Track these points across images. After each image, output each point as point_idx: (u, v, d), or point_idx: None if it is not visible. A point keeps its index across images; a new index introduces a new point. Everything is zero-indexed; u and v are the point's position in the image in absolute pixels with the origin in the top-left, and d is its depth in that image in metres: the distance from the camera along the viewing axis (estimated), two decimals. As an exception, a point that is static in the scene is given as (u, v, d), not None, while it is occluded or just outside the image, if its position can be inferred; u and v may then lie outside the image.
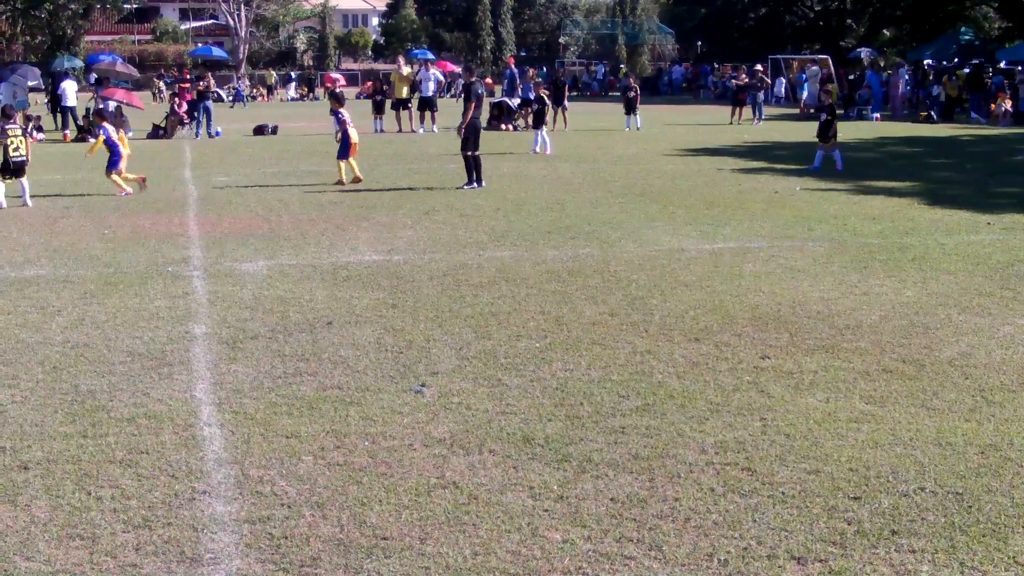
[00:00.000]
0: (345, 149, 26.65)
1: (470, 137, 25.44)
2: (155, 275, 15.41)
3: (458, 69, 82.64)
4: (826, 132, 29.29)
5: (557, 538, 7.00)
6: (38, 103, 55.46)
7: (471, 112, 25.33)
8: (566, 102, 45.84)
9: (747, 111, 49.75)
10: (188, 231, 19.54)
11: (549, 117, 39.85)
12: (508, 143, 38.82)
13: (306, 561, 6.72)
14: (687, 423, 9.17)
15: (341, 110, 27.39)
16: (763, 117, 49.04)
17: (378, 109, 45.77)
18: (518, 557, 6.75)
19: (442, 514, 7.38)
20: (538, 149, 34.91)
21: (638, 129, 44.72)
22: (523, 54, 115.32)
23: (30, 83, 51.15)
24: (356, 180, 26.29)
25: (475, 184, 25.26)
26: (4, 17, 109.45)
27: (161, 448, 8.67)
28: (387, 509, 7.46)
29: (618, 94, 70.26)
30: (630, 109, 45.78)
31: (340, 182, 26.27)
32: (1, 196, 22.98)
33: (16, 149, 23.60)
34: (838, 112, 35.63)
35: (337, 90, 33.74)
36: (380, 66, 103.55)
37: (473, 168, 25.47)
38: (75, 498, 7.71)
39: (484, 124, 44.59)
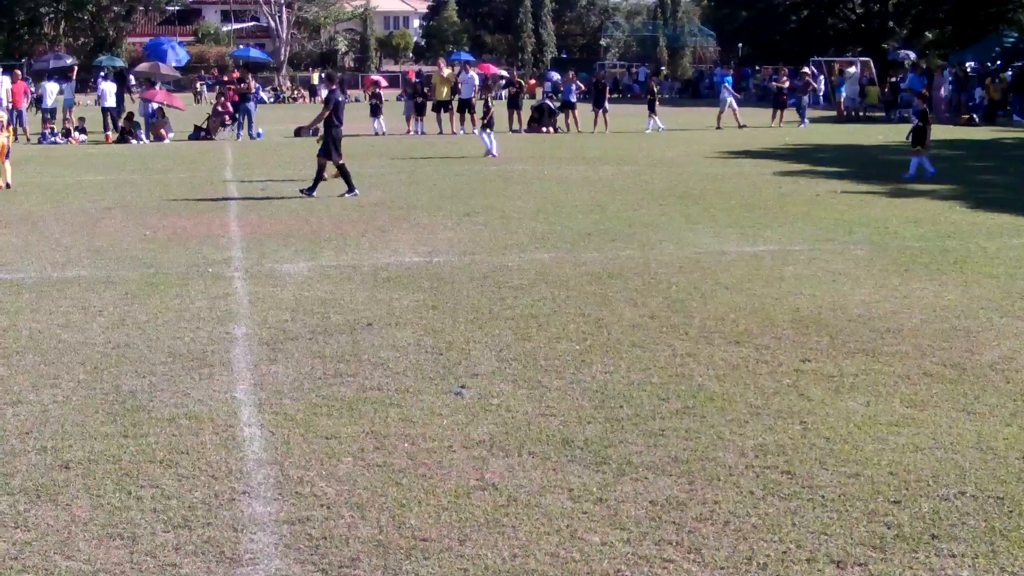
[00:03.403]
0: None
1: (330, 145, 24.77)
2: (196, 276, 15.46)
3: (501, 71, 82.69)
4: (922, 138, 28.78)
5: (596, 540, 6.99)
6: (79, 104, 55.62)
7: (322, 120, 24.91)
8: (607, 104, 45.78)
9: (789, 113, 49.53)
10: (229, 232, 19.60)
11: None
12: (549, 145, 38.84)
13: (345, 562, 6.72)
14: (727, 426, 9.14)
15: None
16: (806, 120, 48.76)
17: (419, 111, 45.85)
18: (557, 559, 6.74)
19: (481, 516, 7.38)
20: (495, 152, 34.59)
21: (659, 131, 44.64)
22: (563, 56, 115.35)
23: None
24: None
25: (355, 192, 24.74)
26: (48, 19, 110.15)
27: (201, 448, 8.70)
28: (426, 511, 7.46)
29: (660, 96, 70.14)
30: (651, 111, 45.83)
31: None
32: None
33: None
34: (879, 115, 35.42)
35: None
36: (420, 68, 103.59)
37: (346, 176, 24.93)
38: (115, 498, 7.74)
39: (525, 126, 44.93)
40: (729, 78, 52.41)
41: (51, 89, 46.53)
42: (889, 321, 12.69)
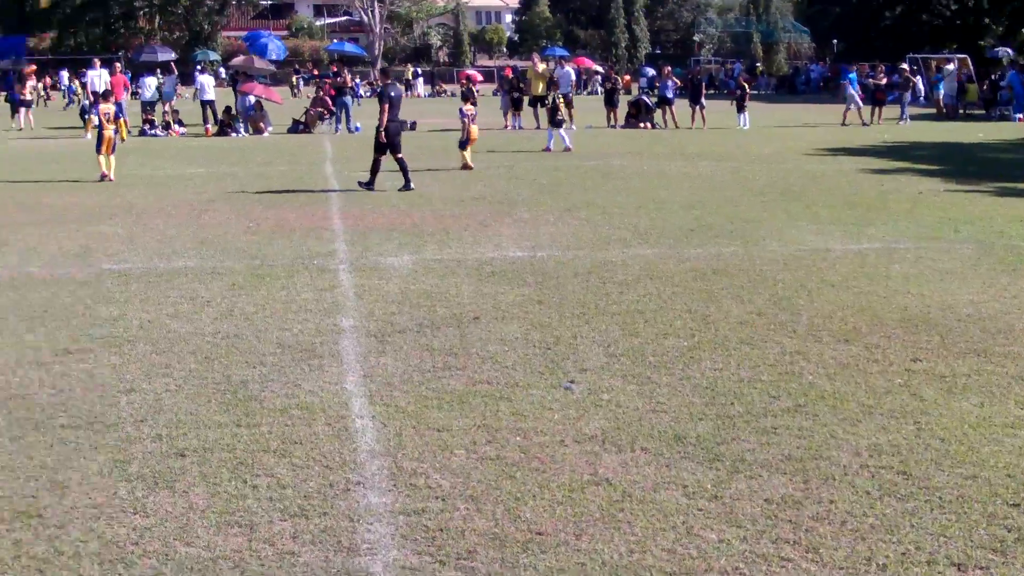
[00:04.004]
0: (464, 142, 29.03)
1: (389, 140, 25.04)
2: (301, 268, 15.57)
3: (596, 67, 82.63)
4: None
5: (713, 537, 6.96)
6: (180, 96, 56.14)
7: (385, 115, 25.04)
8: (703, 100, 45.65)
9: (888, 110, 49.03)
10: (332, 225, 19.70)
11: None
12: (647, 141, 38.75)
13: (462, 554, 6.74)
14: (839, 425, 9.07)
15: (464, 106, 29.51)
16: (906, 117, 48.25)
17: (515, 106, 45.87)
18: (674, 555, 6.72)
19: (596, 511, 7.36)
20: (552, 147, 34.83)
21: (745, 128, 44.40)
22: (657, 52, 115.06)
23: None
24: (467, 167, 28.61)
25: (372, 188, 24.82)
26: (143, 13, 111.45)
27: (314, 439, 8.75)
28: (541, 504, 7.46)
29: (756, 92, 69.77)
30: (740, 108, 45.65)
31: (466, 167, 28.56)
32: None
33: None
34: (979, 113, 34.96)
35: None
36: (515, 64, 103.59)
37: (402, 170, 25.03)
38: (231, 486, 7.81)
39: (622, 122, 44.84)
40: (854, 75, 51.80)
41: (150, 83, 46.94)
42: (999, 321, 12.54)
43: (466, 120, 29.22)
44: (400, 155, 24.98)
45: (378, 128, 24.86)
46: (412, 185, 24.67)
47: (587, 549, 6.80)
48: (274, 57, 53.70)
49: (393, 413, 9.35)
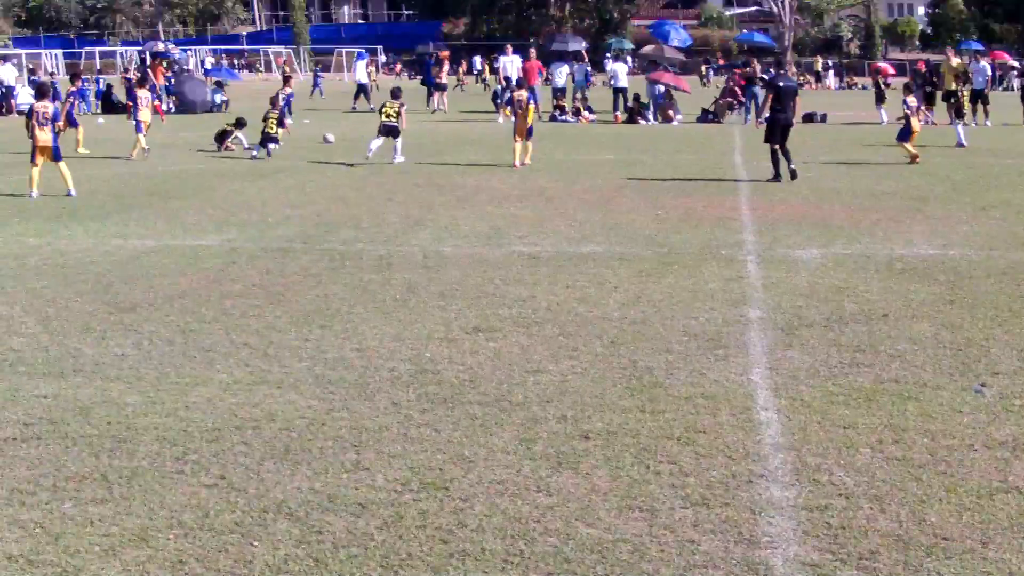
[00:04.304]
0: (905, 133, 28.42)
1: (771, 129, 24.81)
2: (709, 257, 15.59)
3: (1012, 61, 79.93)
4: None
5: None
6: (594, 84, 56.88)
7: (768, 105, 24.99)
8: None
9: None
10: (740, 216, 19.67)
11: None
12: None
13: (864, 554, 6.63)
14: None
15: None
16: None
17: (928, 101, 44.77)
18: (1089, 571, 6.47)
19: (1005, 519, 7.13)
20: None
21: None
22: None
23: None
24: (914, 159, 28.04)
25: (779, 179, 24.54)
26: (554, 1, 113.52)
27: (718, 428, 8.75)
28: (947, 509, 7.27)
29: None
30: None
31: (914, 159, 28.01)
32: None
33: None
34: None
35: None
36: (927, 57, 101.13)
37: (772, 161, 24.75)
38: (634, 470, 7.88)
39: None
40: None
41: (562, 71, 47.68)
42: None
43: (909, 112, 28.54)
44: (783, 146, 24.86)
45: (758, 118, 25.01)
46: (784, 178, 24.59)
47: (994, 558, 6.59)
48: (676, 44, 53.85)
49: (798, 407, 9.27)
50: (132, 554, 6.56)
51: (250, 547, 6.65)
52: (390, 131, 28.55)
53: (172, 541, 6.72)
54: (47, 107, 22.79)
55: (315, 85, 68.08)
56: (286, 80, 42.19)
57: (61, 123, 23.65)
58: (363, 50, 71.44)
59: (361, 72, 56.98)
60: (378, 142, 28.73)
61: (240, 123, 33.42)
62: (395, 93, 29.29)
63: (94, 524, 6.96)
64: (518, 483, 7.64)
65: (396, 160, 28.11)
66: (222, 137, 33.14)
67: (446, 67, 52.59)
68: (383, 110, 28.77)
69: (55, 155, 22.42)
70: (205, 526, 6.92)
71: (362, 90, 54.64)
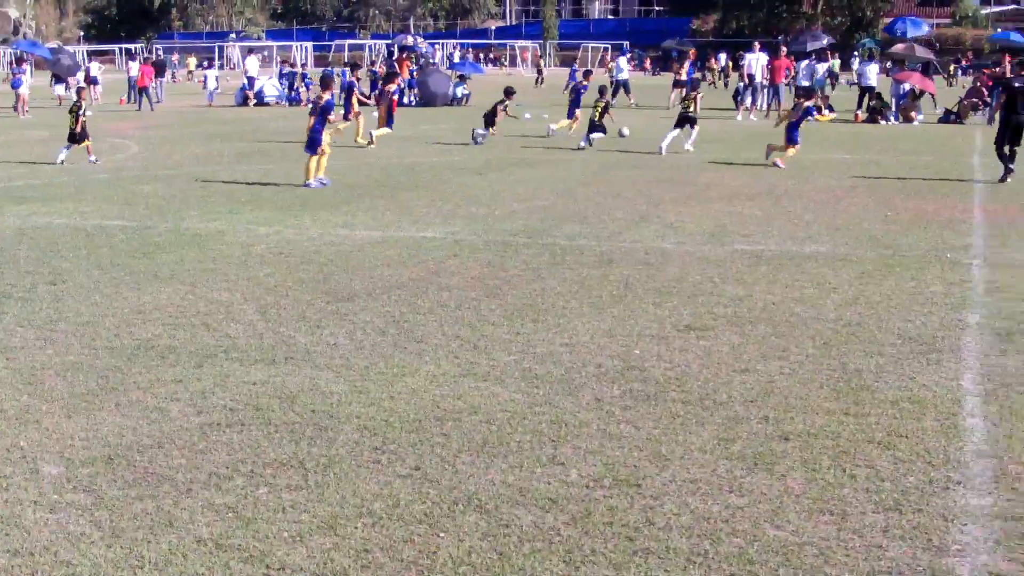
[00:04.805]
0: None
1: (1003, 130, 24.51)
2: (934, 260, 15.32)
3: None
4: None
5: None
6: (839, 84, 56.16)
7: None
8: None
9: None
10: (971, 218, 19.27)
11: None
12: None
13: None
14: None
15: None
16: None
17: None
18: None
19: None
20: None
21: None
22: None
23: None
24: None
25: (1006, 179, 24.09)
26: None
27: (921, 434, 8.63)
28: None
29: None
30: None
31: None
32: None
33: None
34: None
35: None
36: None
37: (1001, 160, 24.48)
38: (830, 473, 7.83)
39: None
40: None
41: (818, 68, 47.25)
42: None
43: None
44: (1015, 146, 24.49)
45: (991, 118, 24.68)
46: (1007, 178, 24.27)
47: None
48: (913, 36, 52.88)
49: (1006, 414, 9.09)
50: (319, 541, 6.74)
51: (436, 538, 6.78)
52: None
53: (359, 530, 6.89)
54: (322, 98, 23.41)
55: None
56: (586, 74, 42.31)
57: (332, 116, 24.03)
58: (625, 45, 71.64)
59: (624, 67, 57.37)
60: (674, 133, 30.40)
61: (508, 92, 34.31)
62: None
63: (286, 511, 7.16)
64: (711, 482, 7.65)
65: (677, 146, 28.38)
66: (492, 116, 33.88)
67: (686, 65, 52.29)
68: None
69: (308, 146, 23.05)
70: (394, 516, 7.08)
71: (622, 85, 54.94)
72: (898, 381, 9.95)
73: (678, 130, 30.09)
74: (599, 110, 31.94)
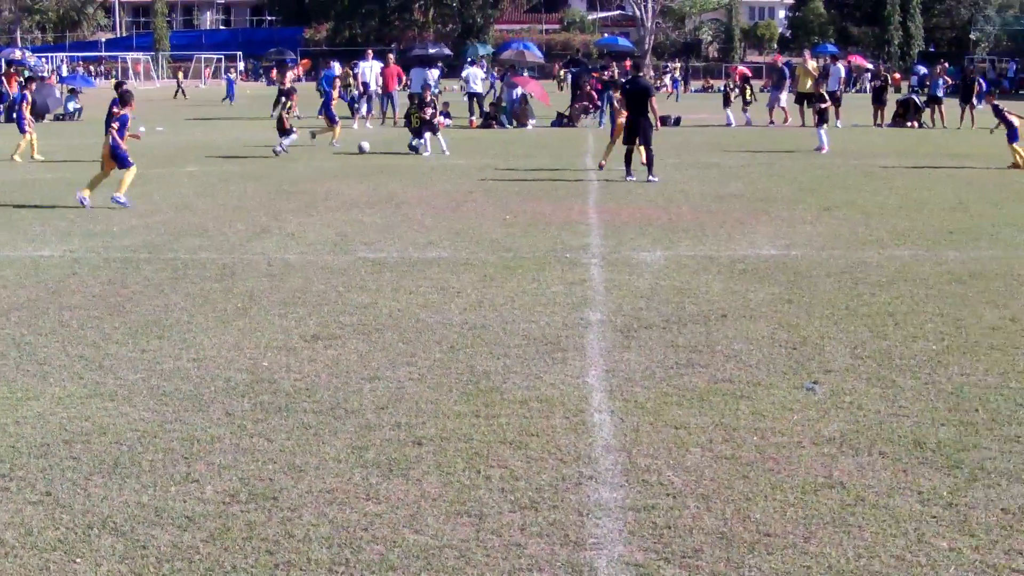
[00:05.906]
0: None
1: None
2: (553, 261, 15.68)
3: (866, 64, 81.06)
4: None
5: (944, 546, 6.80)
6: (446, 89, 56.94)
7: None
8: (975, 100, 44.57)
9: None
10: (588, 219, 19.81)
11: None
12: (913, 140, 37.99)
13: (688, 552, 6.71)
14: (1090, 436, 8.78)
15: None
16: None
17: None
18: (902, 562, 6.59)
19: (827, 514, 7.27)
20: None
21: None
22: (931, 50, 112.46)
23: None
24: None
25: None
26: (417, 6, 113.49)
27: (551, 432, 8.81)
28: (772, 505, 7.39)
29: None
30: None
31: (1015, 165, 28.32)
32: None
33: None
34: None
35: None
36: (787, 59, 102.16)
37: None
38: (465, 476, 7.91)
39: (889, 120, 43.95)
40: None
41: (430, 76, 47.64)
42: None
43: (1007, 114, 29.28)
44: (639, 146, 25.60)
45: (613, 120, 25.63)
46: (636, 178, 25.24)
47: (815, 552, 6.72)
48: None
49: (632, 409, 9.37)
50: (-55, 574, 6.46)
51: (72, 564, 6.57)
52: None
53: (-9, 560, 6.63)
54: None
55: (229, 93, 67.00)
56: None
57: None
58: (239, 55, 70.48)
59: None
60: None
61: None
62: None
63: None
64: (347, 491, 7.64)
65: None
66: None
67: (289, 75, 52.04)
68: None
69: None
70: (27, 544, 6.82)
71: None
72: (526, 381, 10.13)
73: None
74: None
